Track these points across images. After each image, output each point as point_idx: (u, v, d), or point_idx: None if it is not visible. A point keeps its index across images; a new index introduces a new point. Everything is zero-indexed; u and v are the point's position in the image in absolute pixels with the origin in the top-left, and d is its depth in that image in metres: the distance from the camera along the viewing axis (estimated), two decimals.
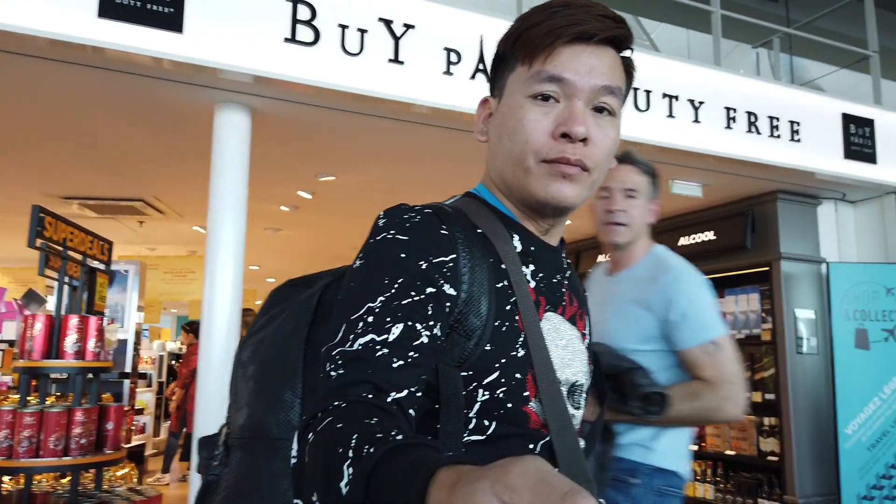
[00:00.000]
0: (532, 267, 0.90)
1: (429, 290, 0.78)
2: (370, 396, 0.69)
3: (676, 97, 4.01)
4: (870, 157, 4.72)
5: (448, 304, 0.80)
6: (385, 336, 0.74)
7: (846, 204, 5.32)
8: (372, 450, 0.57)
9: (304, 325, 0.92)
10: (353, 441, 0.59)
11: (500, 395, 0.82)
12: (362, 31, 3.22)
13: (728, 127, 4.18)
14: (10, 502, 3.46)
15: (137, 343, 6.52)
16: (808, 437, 4.89)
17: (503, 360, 0.82)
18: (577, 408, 0.94)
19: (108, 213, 6.03)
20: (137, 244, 7.97)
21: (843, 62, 6.39)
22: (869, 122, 4.74)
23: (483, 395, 0.81)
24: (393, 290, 0.76)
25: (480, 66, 3.49)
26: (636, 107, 3.88)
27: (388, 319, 0.74)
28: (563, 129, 0.84)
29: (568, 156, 0.84)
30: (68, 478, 3.56)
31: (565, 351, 0.91)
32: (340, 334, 0.75)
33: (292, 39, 3.09)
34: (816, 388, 4.96)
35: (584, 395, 0.96)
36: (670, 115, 3.99)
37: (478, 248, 0.85)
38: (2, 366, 6.24)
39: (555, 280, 0.94)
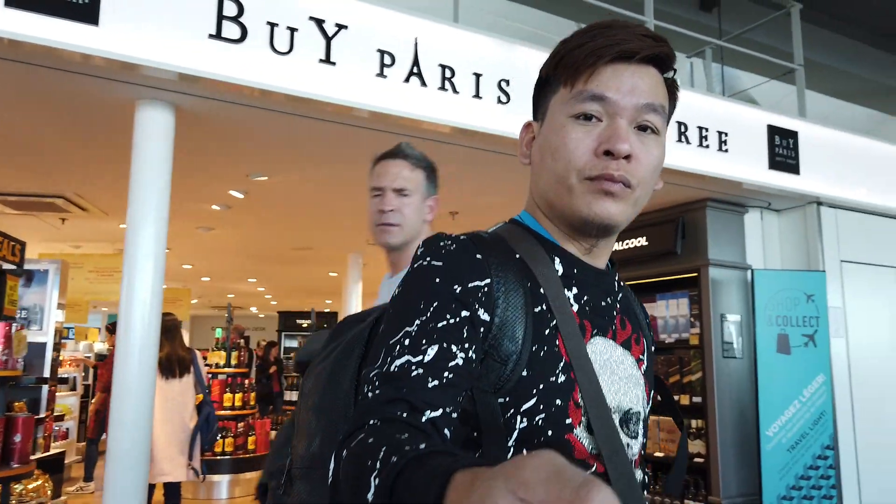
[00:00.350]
0: (575, 290, 0.89)
1: (463, 313, 0.79)
2: (405, 415, 0.70)
3: None
4: (793, 168, 4.89)
5: (482, 328, 0.80)
6: (420, 357, 0.75)
7: (771, 212, 5.50)
8: (396, 459, 0.59)
9: (355, 359, 0.95)
10: (382, 453, 0.61)
11: (539, 423, 0.80)
12: (292, 30, 3.13)
13: None
14: None
15: (58, 346, 6.20)
16: (732, 439, 5.04)
17: (541, 386, 0.81)
18: (633, 437, 0.90)
19: (28, 209, 5.73)
20: (60, 242, 7.63)
21: (773, 74, 6.61)
22: (793, 134, 4.91)
23: (521, 422, 0.80)
24: (429, 314, 0.78)
25: (415, 70, 3.44)
26: None
27: (424, 341, 0.76)
28: (605, 146, 0.84)
29: (611, 172, 0.84)
30: None
31: (616, 377, 0.89)
32: (380, 358, 0.77)
33: (218, 36, 2.97)
34: (741, 391, 5.12)
35: (640, 423, 0.92)
36: None
37: (513, 273, 0.84)
38: None
39: (603, 304, 0.92)
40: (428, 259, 0.83)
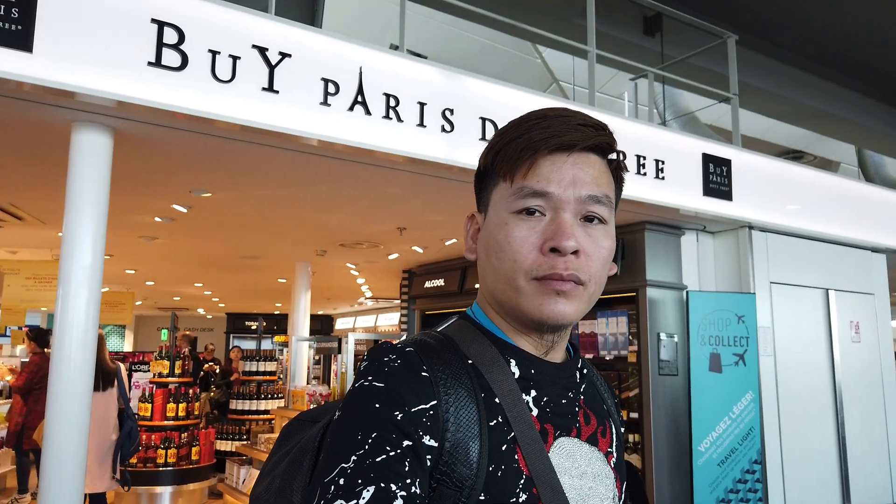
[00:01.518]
0: (534, 393, 0.84)
1: (405, 443, 0.73)
2: None
3: None
4: (726, 195, 5.10)
5: (429, 456, 0.74)
6: (355, 501, 0.69)
7: (707, 234, 5.71)
8: None
9: (305, 471, 0.88)
10: None
11: None
12: (234, 58, 3.13)
13: None
14: None
15: None
16: (667, 453, 5.23)
17: None
18: None
19: None
20: None
21: (716, 97, 6.86)
22: (726, 162, 5.12)
23: None
24: (366, 447, 0.72)
25: (359, 98, 3.47)
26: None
27: (360, 481, 0.70)
28: (551, 243, 0.81)
29: (559, 271, 0.80)
30: None
31: (583, 479, 0.84)
32: (315, 498, 0.71)
33: (157, 63, 2.95)
34: (676, 407, 5.31)
35: None
36: None
37: (464, 386, 0.79)
38: None
39: (564, 401, 0.87)
40: (370, 379, 0.78)
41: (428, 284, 7.80)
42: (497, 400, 0.80)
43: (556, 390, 0.87)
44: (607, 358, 5.64)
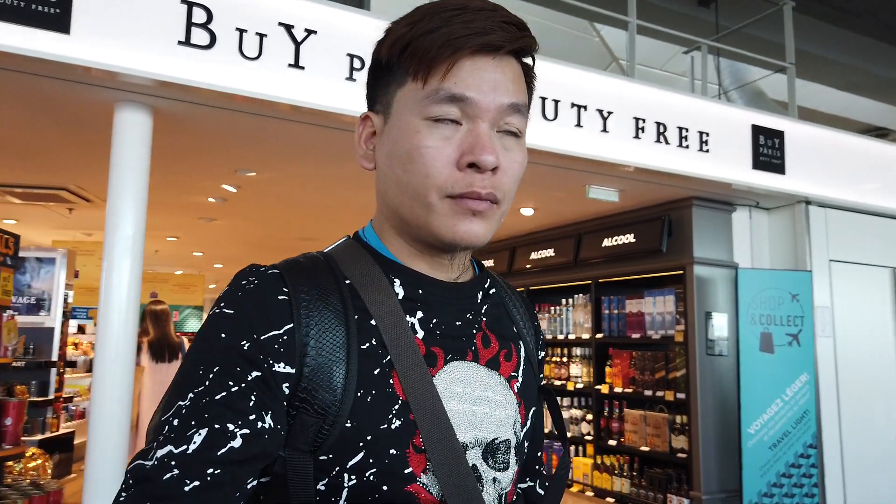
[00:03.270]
0: (421, 314, 0.78)
1: (253, 374, 0.68)
2: None
3: (585, 107, 4.09)
4: (778, 168, 4.88)
5: (286, 384, 0.69)
6: (184, 447, 0.64)
7: (760, 211, 5.48)
8: None
9: None
10: None
11: (371, 478, 0.70)
12: (261, 36, 3.23)
13: (637, 137, 4.28)
14: None
15: (65, 331, 6.44)
16: (714, 435, 5.08)
17: (369, 437, 0.70)
18: (502, 468, 0.80)
19: (34, 200, 5.95)
20: (73, 229, 7.87)
21: (772, 67, 6.54)
22: (778, 134, 4.89)
23: (350, 480, 0.70)
24: (206, 383, 0.67)
25: None
26: (544, 116, 3.96)
27: (193, 423, 0.65)
28: (470, 157, 0.74)
29: (478, 190, 0.74)
30: None
31: (478, 405, 0.78)
32: (148, 442, 0.67)
33: (187, 42, 3.08)
34: (724, 388, 5.15)
35: (511, 451, 0.82)
36: (578, 125, 4.07)
37: (332, 308, 0.73)
38: None
39: (458, 323, 0.81)
40: (221, 306, 0.72)
41: None
42: (373, 322, 0.75)
43: (449, 311, 0.81)
44: (654, 337, 5.52)
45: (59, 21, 2.81)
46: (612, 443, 5.82)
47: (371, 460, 0.70)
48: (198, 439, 0.65)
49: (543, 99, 3.96)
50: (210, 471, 0.64)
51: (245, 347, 0.69)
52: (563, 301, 6.54)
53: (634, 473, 5.60)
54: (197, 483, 0.63)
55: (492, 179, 0.75)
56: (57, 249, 6.29)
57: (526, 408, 0.87)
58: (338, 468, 0.70)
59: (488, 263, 7.56)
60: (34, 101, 3.50)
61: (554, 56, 4.11)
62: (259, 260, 0.88)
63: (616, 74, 4.45)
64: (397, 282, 0.79)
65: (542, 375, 0.96)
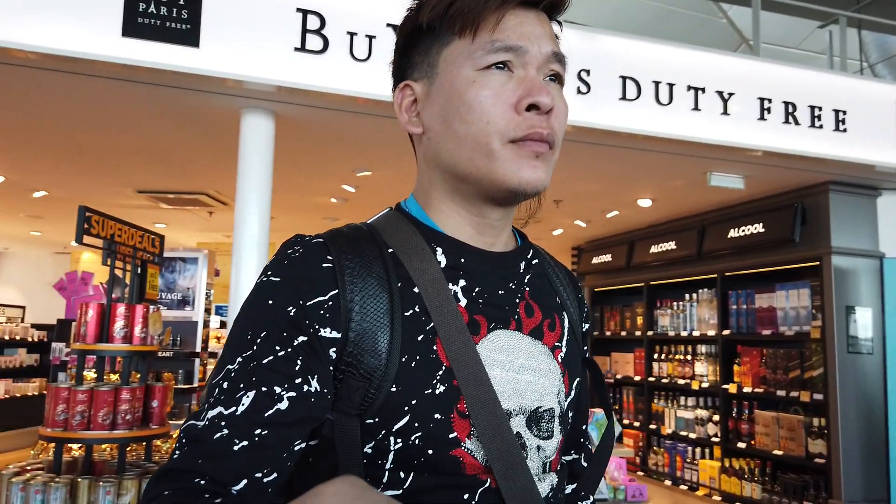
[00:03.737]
0: (463, 282, 0.79)
1: (299, 339, 0.70)
2: (203, 483, 0.63)
3: (703, 89, 3.90)
4: None
5: (333, 348, 0.71)
6: (233, 408, 0.67)
7: None
8: None
9: None
10: None
11: (417, 442, 0.71)
12: (370, 38, 3.36)
13: (762, 118, 4.02)
14: (75, 467, 3.89)
15: (207, 323, 7.00)
16: (857, 439, 4.67)
17: (413, 402, 0.71)
18: (546, 437, 0.80)
19: (179, 204, 6.52)
20: (215, 231, 8.53)
21: None
22: None
23: (396, 443, 0.71)
24: (254, 348, 0.69)
25: None
26: (657, 100, 3.82)
27: (241, 386, 0.67)
28: (529, 99, 0.74)
29: (540, 130, 0.75)
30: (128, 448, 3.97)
31: (521, 373, 0.78)
32: (201, 403, 0.70)
33: (302, 48, 3.26)
34: (868, 389, 4.72)
35: (556, 420, 0.81)
36: (696, 108, 3.89)
37: (376, 275, 0.74)
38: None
39: (502, 292, 0.81)
40: (268, 274, 0.74)
41: (595, 260, 7.64)
42: (416, 290, 0.75)
43: (492, 280, 0.81)
44: (787, 334, 5.15)
45: (190, 36, 3.07)
46: (742, 445, 5.50)
47: (416, 424, 0.71)
48: (246, 401, 0.67)
49: (657, 83, 3.82)
50: (258, 432, 0.66)
51: (291, 313, 0.70)
52: (687, 296, 6.26)
53: (766, 478, 5.26)
54: (245, 443, 0.65)
55: (550, 122, 0.76)
56: (199, 250, 6.85)
57: (570, 378, 0.86)
58: (384, 432, 0.71)
59: (606, 258, 7.38)
60: (172, 113, 3.84)
61: (675, 40, 3.95)
62: None
63: (736, 53, 4.20)
64: (439, 250, 0.79)
65: (586, 348, 0.95)
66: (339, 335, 0.71)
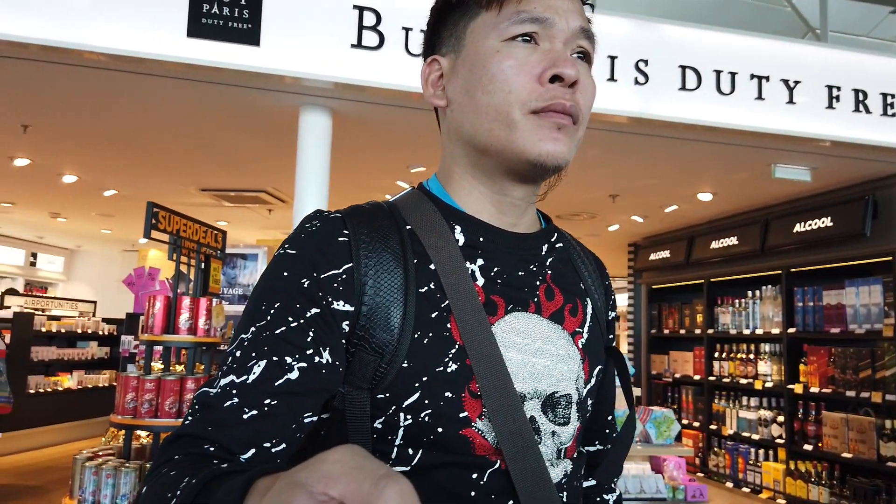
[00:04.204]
0: (482, 261, 0.77)
1: (312, 311, 0.70)
2: (212, 449, 0.64)
3: (766, 78, 3.78)
4: None
5: (345, 321, 0.71)
6: (244, 377, 0.67)
7: None
8: (194, 482, 0.54)
9: None
10: (183, 482, 0.56)
11: (427, 419, 0.71)
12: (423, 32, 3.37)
13: (830, 107, 3.87)
14: (143, 454, 4.06)
15: None
16: None
17: (424, 379, 0.71)
18: (563, 423, 0.78)
19: (240, 202, 6.70)
20: (272, 229, 8.73)
21: None
22: None
23: (405, 419, 0.71)
24: (268, 318, 0.70)
25: None
26: (718, 90, 3.71)
27: (254, 355, 0.68)
28: (553, 70, 0.73)
29: (562, 101, 0.73)
30: None
31: (538, 357, 0.77)
32: (217, 370, 0.71)
33: (359, 45, 3.31)
34: None
35: (573, 406, 0.80)
36: (759, 98, 3.77)
37: (391, 250, 0.74)
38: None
39: (521, 273, 0.79)
40: (285, 247, 0.75)
41: (653, 257, 7.49)
42: (433, 266, 0.75)
43: (511, 261, 0.79)
44: (857, 332, 4.94)
45: (251, 35, 3.15)
46: (808, 448, 5.30)
47: (426, 401, 0.70)
48: (257, 370, 0.67)
49: (718, 72, 3.71)
50: (267, 401, 0.66)
51: (305, 285, 0.70)
52: (749, 293, 6.07)
53: (834, 482, 5.06)
54: (255, 412, 0.65)
55: (574, 95, 0.74)
56: (259, 247, 7.02)
57: (591, 364, 0.83)
58: (394, 407, 0.71)
59: (665, 254, 7.23)
60: (232, 111, 3.95)
61: (741, 27, 3.84)
62: None
63: (802, 40, 4.05)
64: (458, 228, 0.78)
65: (612, 336, 0.92)
66: (351, 308, 0.71)
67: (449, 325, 0.72)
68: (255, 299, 0.72)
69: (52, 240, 11.66)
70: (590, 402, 0.84)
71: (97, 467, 3.58)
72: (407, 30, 3.36)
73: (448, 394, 0.71)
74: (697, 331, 6.74)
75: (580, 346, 0.82)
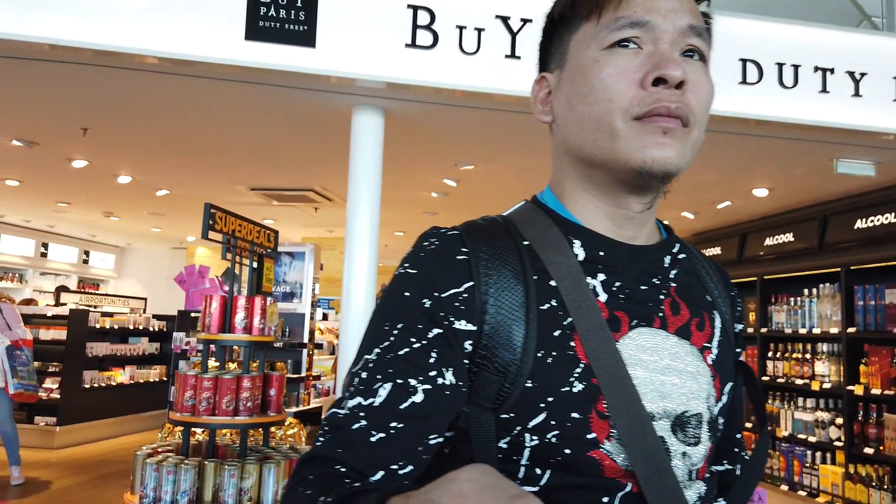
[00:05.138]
0: (603, 276, 0.75)
1: (434, 331, 0.69)
2: (343, 470, 0.65)
3: (832, 70, 3.65)
4: None
5: (468, 340, 0.70)
6: (371, 400, 0.68)
7: None
8: (329, 499, 0.55)
9: None
10: (318, 500, 0.57)
11: (553, 440, 0.69)
12: (479, 30, 3.35)
13: None
14: (199, 451, 4.13)
15: (313, 315, 7.25)
16: None
17: (550, 399, 0.69)
18: (693, 443, 0.75)
19: (287, 201, 6.78)
20: (318, 227, 8.82)
21: None
22: None
23: (531, 440, 0.69)
24: (391, 339, 0.70)
25: None
26: (781, 83, 3.60)
27: (379, 377, 0.68)
28: (655, 73, 0.70)
29: (667, 103, 0.69)
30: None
31: (666, 374, 0.73)
32: (343, 390, 0.72)
33: (413, 45, 3.30)
34: None
35: (704, 426, 0.76)
36: (824, 90, 3.64)
37: (511, 267, 0.73)
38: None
39: (644, 287, 0.77)
40: (406, 266, 0.74)
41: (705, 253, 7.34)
42: (553, 283, 0.73)
43: (634, 275, 0.77)
44: None
45: (307, 37, 3.17)
46: (869, 451, 5.13)
47: (553, 422, 0.69)
48: (383, 393, 0.67)
49: (780, 65, 3.60)
50: (394, 424, 0.66)
51: (427, 305, 0.70)
52: (805, 291, 5.89)
53: None
54: (382, 435, 0.66)
55: (682, 97, 0.70)
56: (306, 244, 7.10)
57: (721, 381, 0.79)
58: (519, 427, 0.70)
59: (715, 251, 7.08)
60: (285, 112, 3.98)
61: (789, 17, 3.72)
62: None
63: (869, 31, 3.90)
64: (577, 243, 0.76)
65: (739, 350, 0.87)
66: (473, 328, 0.70)
67: (573, 343, 0.71)
68: (378, 319, 0.73)
69: (104, 238, 12.00)
70: (721, 420, 0.80)
71: (158, 464, 3.66)
72: (461, 28, 3.34)
73: (575, 414, 0.69)
74: (750, 329, 6.58)
75: (709, 363, 0.78)
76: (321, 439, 0.68)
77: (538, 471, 0.70)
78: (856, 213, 5.21)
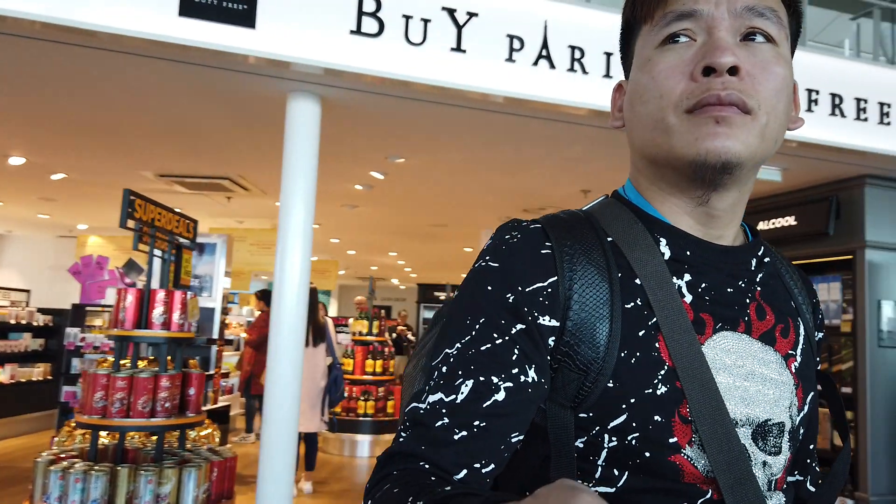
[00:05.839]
0: (689, 277, 0.73)
1: (517, 327, 0.68)
2: (427, 467, 0.64)
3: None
4: None
5: (551, 336, 0.69)
6: (453, 396, 0.66)
7: None
8: (421, 502, 0.54)
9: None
10: (408, 501, 0.56)
11: (633, 442, 0.67)
12: (426, 21, 3.29)
13: (809, 109, 3.99)
14: (105, 455, 3.83)
15: (224, 310, 6.93)
16: (886, 433, 4.69)
17: (633, 400, 0.67)
18: (774, 453, 0.73)
19: (198, 189, 6.43)
20: (227, 217, 8.44)
21: None
22: None
23: (610, 441, 0.68)
24: (472, 334, 0.68)
25: (543, 53, 3.48)
26: None
27: (460, 373, 0.67)
28: (703, 63, 0.67)
29: (716, 91, 0.66)
30: (156, 436, 3.91)
31: (749, 381, 0.71)
32: (421, 384, 0.70)
33: (358, 31, 3.19)
34: None
35: (785, 435, 0.74)
36: None
37: (596, 263, 0.71)
38: (106, 329, 6.81)
39: (730, 290, 0.74)
40: (487, 258, 0.72)
41: None
42: (638, 281, 0.71)
43: (720, 277, 0.74)
44: None
45: (247, 16, 2.99)
46: None
47: (634, 424, 0.67)
48: (465, 390, 0.66)
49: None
50: (476, 422, 0.65)
51: (510, 300, 0.69)
52: None
53: None
54: (465, 433, 0.65)
55: (737, 83, 0.67)
56: (218, 235, 6.76)
57: (804, 391, 0.77)
58: (598, 427, 0.68)
59: None
60: (211, 94, 3.75)
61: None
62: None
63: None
64: (663, 241, 0.74)
65: (818, 359, 0.86)
66: (557, 323, 0.68)
67: (657, 345, 0.69)
68: (460, 312, 0.71)
69: None
70: (801, 431, 0.79)
71: (63, 471, 3.36)
72: (407, 18, 3.27)
73: (657, 417, 0.67)
74: None
75: (793, 371, 0.76)
76: (403, 434, 0.67)
77: (615, 472, 0.68)
78: (760, 214, 5.56)
